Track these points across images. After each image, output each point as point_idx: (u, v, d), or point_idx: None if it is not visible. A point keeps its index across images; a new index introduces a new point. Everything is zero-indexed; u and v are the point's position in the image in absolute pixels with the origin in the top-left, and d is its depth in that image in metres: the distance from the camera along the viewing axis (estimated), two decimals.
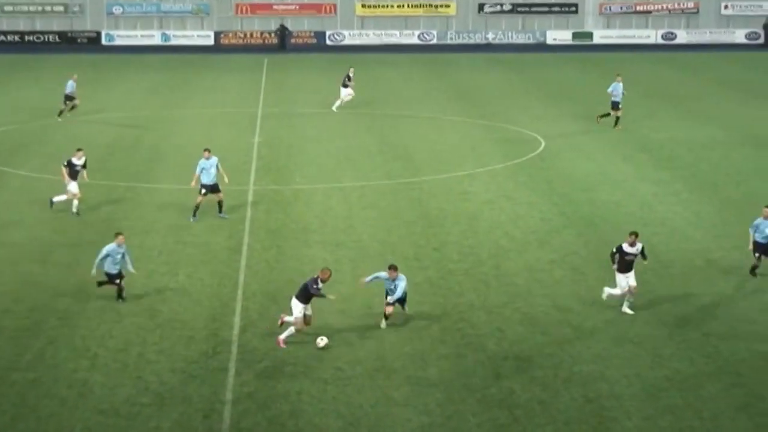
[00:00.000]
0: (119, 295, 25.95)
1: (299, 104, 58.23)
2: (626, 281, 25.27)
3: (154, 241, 31.18)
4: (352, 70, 56.30)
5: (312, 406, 20.49)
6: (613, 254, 25.59)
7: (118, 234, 26.38)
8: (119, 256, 25.93)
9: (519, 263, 29.31)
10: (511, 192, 37.42)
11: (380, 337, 23.76)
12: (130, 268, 26.42)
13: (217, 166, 33.70)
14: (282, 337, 23.31)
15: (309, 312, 23.60)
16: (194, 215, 33.28)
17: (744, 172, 40.94)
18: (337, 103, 55.25)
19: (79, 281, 27.58)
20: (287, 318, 23.68)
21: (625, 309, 25.33)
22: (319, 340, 23.13)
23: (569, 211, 34.91)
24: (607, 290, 25.74)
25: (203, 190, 33.37)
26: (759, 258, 28.11)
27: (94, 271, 26.02)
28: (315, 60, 79.47)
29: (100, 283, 26.17)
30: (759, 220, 28.29)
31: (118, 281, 25.89)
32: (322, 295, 23.58)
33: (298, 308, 23.40)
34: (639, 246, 25.46)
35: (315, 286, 23.46)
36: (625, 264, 25.35)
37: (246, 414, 20.18)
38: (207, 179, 33.40)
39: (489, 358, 22.82)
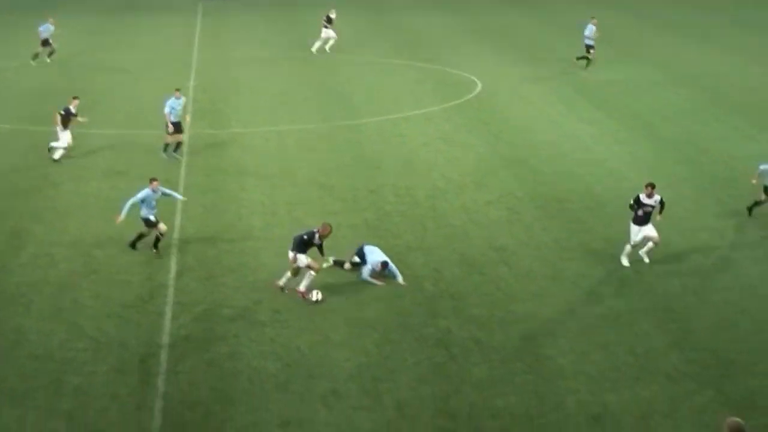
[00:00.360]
0: (155, 245, 25.35)
1: (235, 48, 57.59)
2: (640, 234, 24.63)
3: (88, 187, 30.86)
4: (333, 11, 55.24)
5: (250, 348, 20.49)
6: (631, 205, 24.86)
7: (152, 180, 25.50)
8: (155, 201, 25.39)
9: (455, 204, 29.41)
10: (448, 134, 37.44)
11: (317, 280, 23.70)
12: (178, 197, 27.04)
13: (183, 107, 34.30)
14: (302, 289, 22.86)
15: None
16: (174, 151, 33.81)
17: (680, 112, 41.31)
18: (318, 44, 54.33)
19: (13, 228, 27.26)
20: (281, 282, 23.22)
21: (643, 256, 24.79)
22: (315, 293, 22.75)
23: (505, 152, 35.03)
24: (624, 258, 24.91)
25: (171, 128, 33.39)
26: None
27: (123, 215, 25.06)
28: (251, 2, 78.46)
29: (138, 238, 25.58)
30: None
31: (154, 227, 25.31)
32: (322, 251, 23.44)
33: (302, 259, 22.88)
34: (657, 197, 24.74)
35: (316, 240, 23.19)
36: (641, 215, 24.71)
37: (183, 357, 20.12)
38: (174, 118, 33.55)
39: (426, 299, 22.95)
